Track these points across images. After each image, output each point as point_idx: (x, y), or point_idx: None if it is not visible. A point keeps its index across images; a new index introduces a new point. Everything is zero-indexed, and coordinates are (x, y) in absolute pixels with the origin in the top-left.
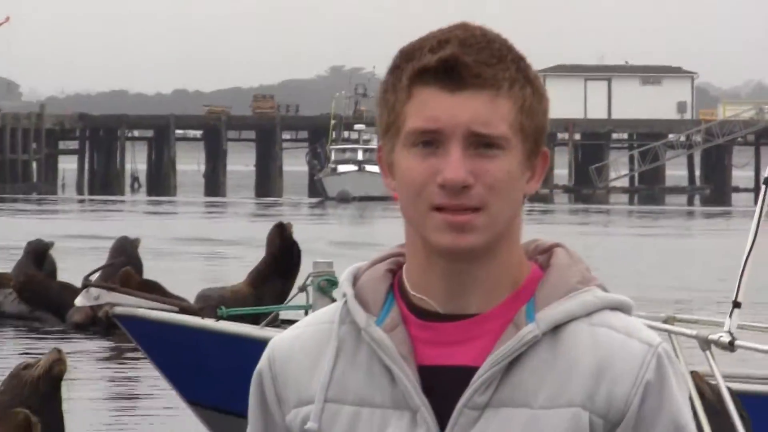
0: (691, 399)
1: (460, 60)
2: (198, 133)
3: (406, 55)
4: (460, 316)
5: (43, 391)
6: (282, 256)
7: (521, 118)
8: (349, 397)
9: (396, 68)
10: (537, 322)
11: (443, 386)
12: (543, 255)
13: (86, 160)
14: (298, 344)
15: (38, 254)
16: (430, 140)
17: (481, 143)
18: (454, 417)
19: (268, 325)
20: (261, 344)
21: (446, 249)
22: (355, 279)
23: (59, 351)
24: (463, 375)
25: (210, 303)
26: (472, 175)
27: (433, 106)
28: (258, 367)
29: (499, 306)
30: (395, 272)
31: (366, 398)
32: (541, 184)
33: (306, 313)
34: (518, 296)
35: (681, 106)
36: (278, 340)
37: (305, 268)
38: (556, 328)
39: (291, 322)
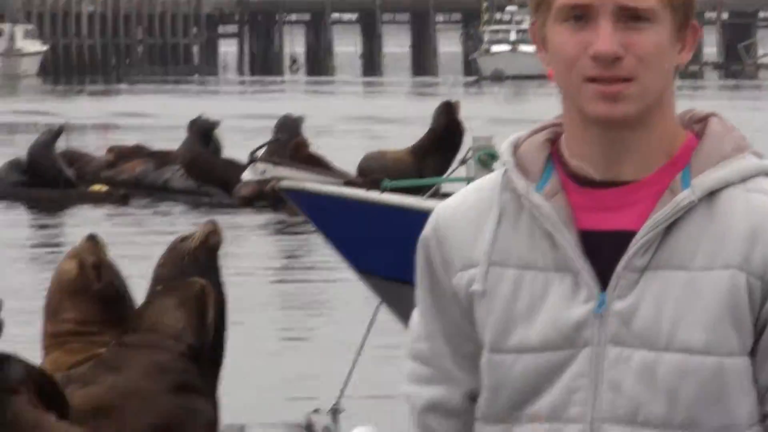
0: None
1: None
2: (353, 16)
3: None
4: (617, 182)
5: (201, 262)
6: (446, 133)
7: None
8: (512, 261)
9: None
10: (692, 189)
11: (603, 250)
12: (698, 124)
13: (245, 43)
14: (462, 211)
15: (204, 132)
16: (581, 15)
17: (630, 16)
18: (614, 279)
19: (430, 197)
20: (424, 215)
21: (600, 118)
22: (515, 148)
23: (214, 223)
24: (622, 239)
25: (373, 172)
26: (622, 47)
27: None
28: (423, 233)
29: (655, 173)
30: (554, 142)
31: (529, 262)
32: (691, 56)
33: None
34: (674, 164)
35: None
36: (442, 207)
37: (465, 144)
38: (712, 194)
39: (451, 194)
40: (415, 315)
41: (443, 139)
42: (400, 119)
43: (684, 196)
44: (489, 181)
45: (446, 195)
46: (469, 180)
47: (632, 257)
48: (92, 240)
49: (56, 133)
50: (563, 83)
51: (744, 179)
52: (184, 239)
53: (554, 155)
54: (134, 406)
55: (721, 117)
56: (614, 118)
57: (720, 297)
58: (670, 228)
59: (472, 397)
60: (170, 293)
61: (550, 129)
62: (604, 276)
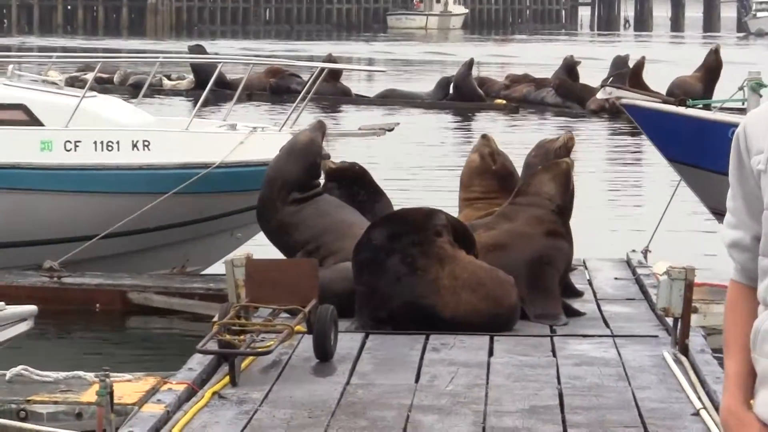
0: None
1: None
2: None
3: None
4: None
5: (561, 156)
6: (714, 68)
7: None
8: None
9: None
10: None
11: None
12: None
13: (596, 9)
14: (759, 115)
15: (570, 68)
16: None
17: None
18: None
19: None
20: (715, 123)
21: None
22: None
23: (570, 132)
24: None
25: (674, 94)
26: None
27: None
28: (737, 129)
29: None
30: None
31: None
32: None
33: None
34: None
35: None
36: (750, 113)
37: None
38: None
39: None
40: (730, 186)
41: (712, 71)
42: (691, 60)
43: None
44: None
45: (725, 110)
46: (743, 101)
47: None
48: (485, 137)
49: (470, 64)
50: None
51: None
52: (550, 141)
53: None
54: (521, 244)
55: None
56: None
57: None
58: None
59: (758, 239)
60: (546, 170)
61: None
62: None
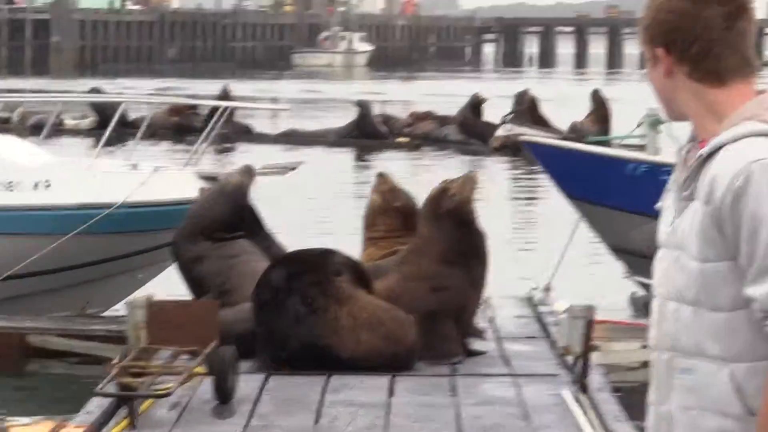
0: None
1: None
2: (570, 29)
3: None
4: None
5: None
6: (599, 113)
7: None
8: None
9: None
10: (710, 145)
11: None
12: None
13: (500, 46)
14: None
15: (476, 105)
16: None
17: None
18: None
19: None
20: (614, 159)
21: None
22: None
23: (473, 172)
24: None
25: (576, 131)
26: None
27: None
28: None
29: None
30: None
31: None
32: None
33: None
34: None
35: None
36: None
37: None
38: (717, 152)
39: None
40: None
41: (599, 111)
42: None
43: (703, 151)
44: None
45: (624, 146)
46: (641, 138)
47: (681, 189)
48: (381, 176)
49: (364, 107)
50: None
51: (736, 139)
52: (452, 181)
53: None
54: (407, 299)
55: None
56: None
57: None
58: (698, 173)
59: None
60: (439, 214)
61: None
62: None
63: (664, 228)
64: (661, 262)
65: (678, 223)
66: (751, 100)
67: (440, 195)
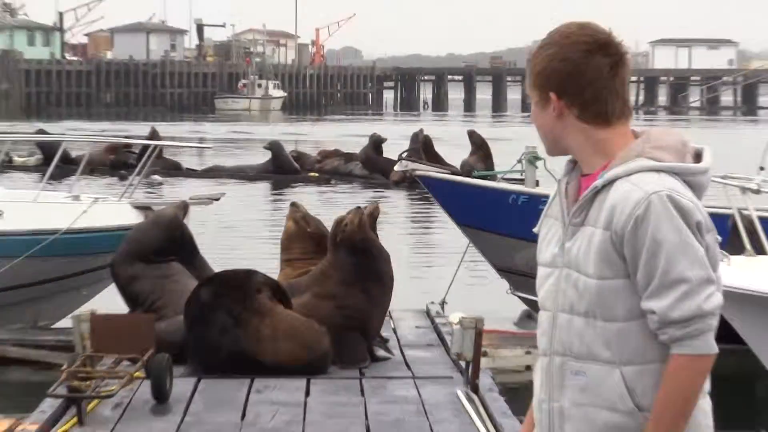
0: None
1: None
2: (460, 77)
3: None
4: (587, 175)
5: (369, 224)
6: (480, 150)
7: None
8: (552, 215)
9: None
10: (603, 178)
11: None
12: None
13: (398, 92)
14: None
15: (376, 144)
16: None
17: None
18: (567, 230)
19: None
20: (496, 191)
21: None
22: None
23: (376, 203)
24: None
25: (464, 167)
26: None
27: None
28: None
29: (598, 170)
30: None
31: (557, 216)
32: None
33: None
34: (608, 162)
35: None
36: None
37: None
38: (612, 183)
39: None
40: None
41: (481, 149)
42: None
43: (597, 182)
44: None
45: (505, 180)
46: (521, 172)
47: (572, 217)
48: (294, 205)
49: (275, 147)
50: None
51: (629, 174)
52: (339, 221)
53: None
54: (318, 315)
55: (651, 133)
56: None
57: (596, 245)
58: (592, 202)
59: None
60: (339, 243)
61: None
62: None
63: (549, 250)
64: (547, 279)
65: (570, 246)
66: (635, 139)
67: (335, 227)
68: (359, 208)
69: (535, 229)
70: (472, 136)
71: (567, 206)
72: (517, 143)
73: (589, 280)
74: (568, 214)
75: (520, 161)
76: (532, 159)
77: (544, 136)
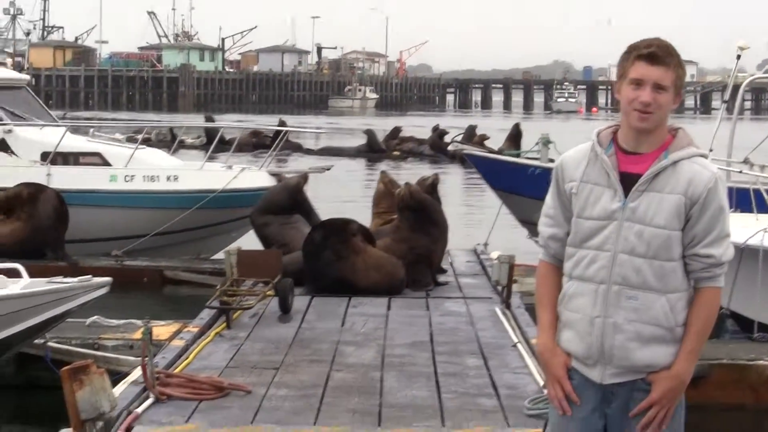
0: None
1: None
2: (500, 86)
3: None
4: (638, 153)
5: (429, 190)
6: (514, 139)
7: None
8: (590, 180)
9: None
10: (668, 159)
11: (629, 180)
12: (673, 131)
13: (457, 96)
14: (570, 155)
15: (440, 133)
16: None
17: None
18: (631, 193)
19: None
20: (520, 166)
21: (637, 127)
22: (598, 134)
23: (437, 174)
24: (638, 177)
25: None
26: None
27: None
28: (555, 165)
29: (654, 150)
30: (615, 132)
31: (597, 182)
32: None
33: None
34: (662, 147)
35: (692, 76)
36: (564, 155)
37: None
38: (676, 162)
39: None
40: (547, 199)
41: (515, 138)
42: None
43: (663, 162)
44: (584, 146)
45: (527, 158)
46: (537, 152)
47: (639, 185)
48: (383, 173)
49: (369, 133)
50: (624, 109)
51: (690, 157)
52: (424, 179)
53: (614, 138)
54: (397, 252)
55: (684, 129)
56: (642, 128)
57: (671, 206)
58: (657, 175)
59: (567, 234)
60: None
61: (614, 126)
62: (627, 192)
63: (600, 206)
64: (601, 230)
65: (635, 205)
66: (675, 133)
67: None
68: (407, 183)
69: (573, 190)
70: (515, 127)
71: (616, 174)
72: (537, 133)
73: (659, 230)
74: (622, 181)
75: (537, 144)
76: (546, 142)
77: (661, 117)
